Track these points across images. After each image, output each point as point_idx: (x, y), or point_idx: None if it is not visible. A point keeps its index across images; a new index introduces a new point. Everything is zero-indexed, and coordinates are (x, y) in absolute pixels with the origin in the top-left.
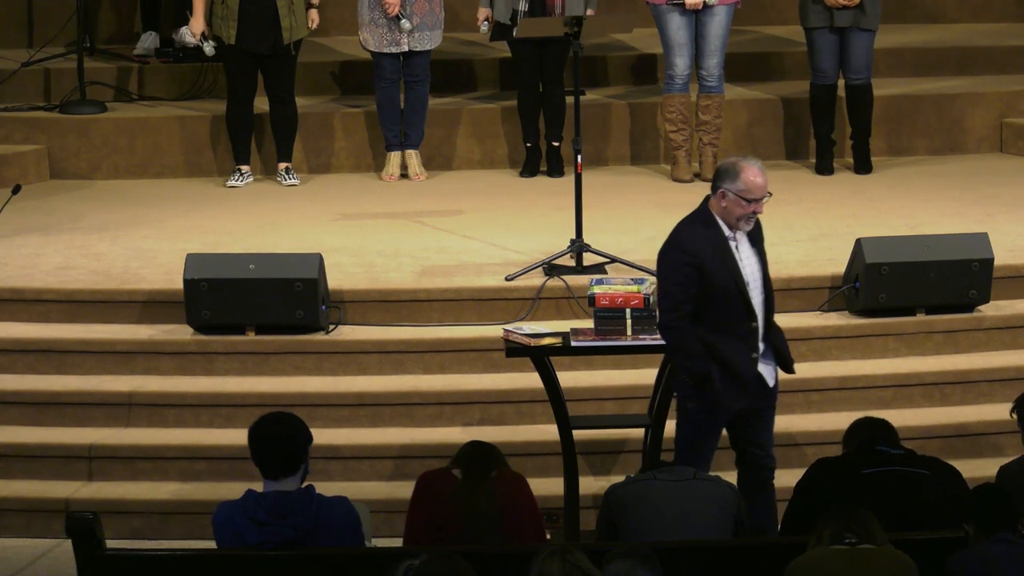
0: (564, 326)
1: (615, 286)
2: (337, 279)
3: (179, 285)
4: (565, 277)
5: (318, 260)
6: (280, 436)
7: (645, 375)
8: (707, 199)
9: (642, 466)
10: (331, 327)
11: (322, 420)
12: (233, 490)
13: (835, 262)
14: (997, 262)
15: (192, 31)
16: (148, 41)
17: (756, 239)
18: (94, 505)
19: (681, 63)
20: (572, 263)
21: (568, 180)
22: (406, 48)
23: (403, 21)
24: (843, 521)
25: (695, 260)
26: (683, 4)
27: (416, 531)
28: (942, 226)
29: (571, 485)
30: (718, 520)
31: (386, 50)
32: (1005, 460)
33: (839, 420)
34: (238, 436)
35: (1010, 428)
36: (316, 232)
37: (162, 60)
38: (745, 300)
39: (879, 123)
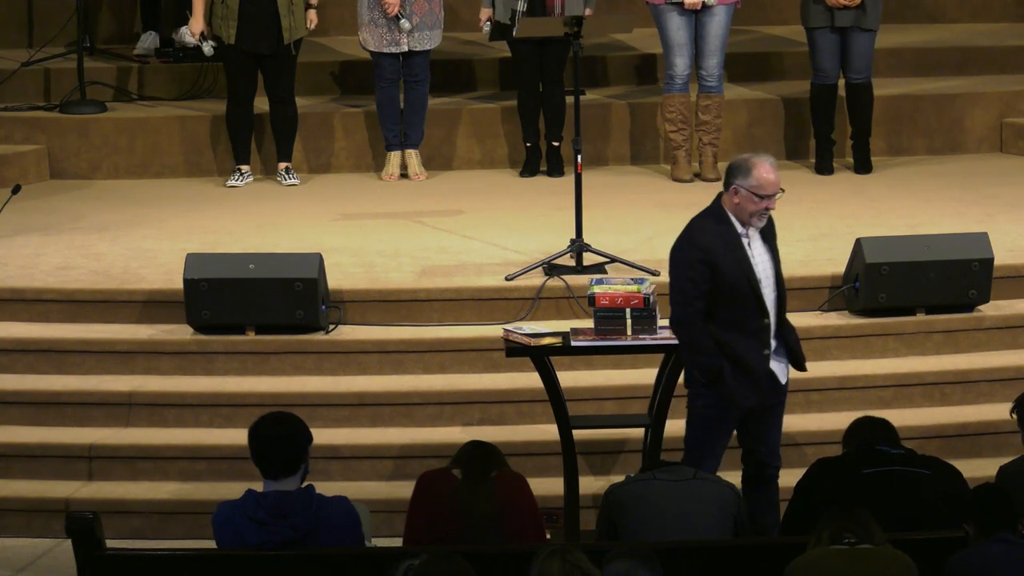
0: (564, 326)
1: (615, 286)
2: (337, 279)
3: (179, 285)
4: (565, 277)
5: (318, 260)
6: (280, 436)
7: (645, 375)
8: (720, 196)
9: (642, 466)
10: (331, 327)
11: (322, 420)
12: (233, 490)
13: (835, 262)
14: (997, 262)
15: (192, 31)
16: (148, 41)
17: (769, 236)
18: (94, 505)
19: (681, 63)
20: (572, 263)
21: (568, 180)
22: (406, 48)
23: (403, 21)
24: (842, 521)
25: (707, 257)
26: (682, 4)
27: (416, 531)
28: (942, 226)
29: (571, 485)
30: (718, 520)
31: (386, 50)
32: (1005, 460)
33: (839, 420)
34: (238, 436)
35: (1010, 428)
36: (316, 232)
37: (162, 60)
38: (757, 297)
39: (879, 123)
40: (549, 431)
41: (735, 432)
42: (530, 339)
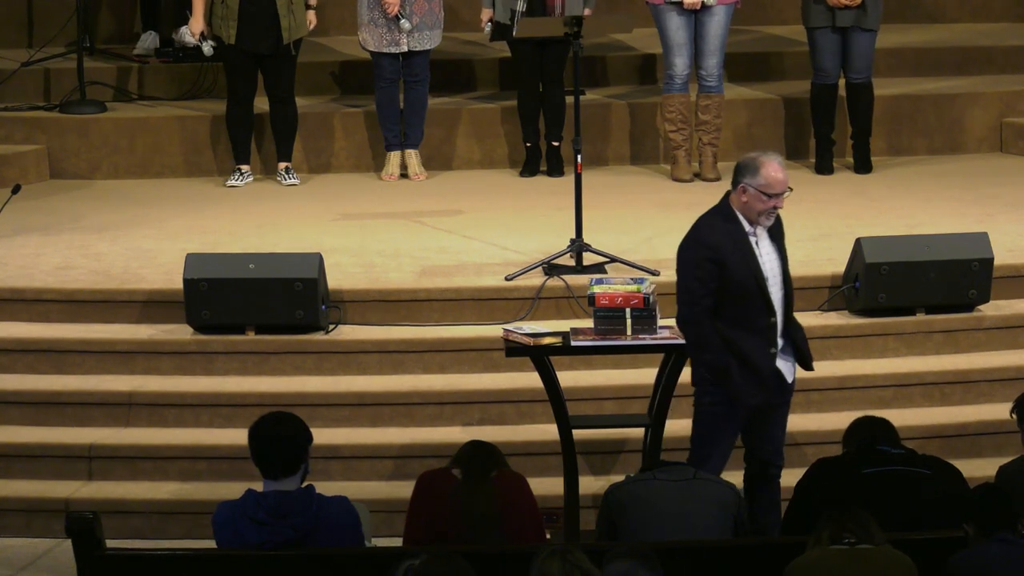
0: (564, 326)
1: (615, 286)
2: (337, 279)
3: (179, 285)
4: (565, 277)
5: (318, 260)
6: (280, 436)
7: (645, 375)
8: (728, 194)
9: (642, 466)
10: (331, 327)
11: (322, 420)
12: (233, 490)
13: (835, 262)
14: (997, 262)
15: (192, 31)
16: (148, 41)
17: (776, 235)
18: (94, 505)
19: (680, 63)
20: (572, 263)
21: (568, 180)
22: (405, 48)
23: (403, 21)
24: (842, 521)
25: (715, 255)
26: (681, 3)
27: (416, 531)
28: (942, 226)
29: (571, 485)
30: (718, 520)
31: (385, 50)
32: (1005, 460)
33: (839, 420)
34: (238, 436)
35: (1010, 428)
36: (316, 232)
37: (162, 60)
38: (764, 295)
39: (879, 123)
40: (549, 431)
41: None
42: (530, 339)
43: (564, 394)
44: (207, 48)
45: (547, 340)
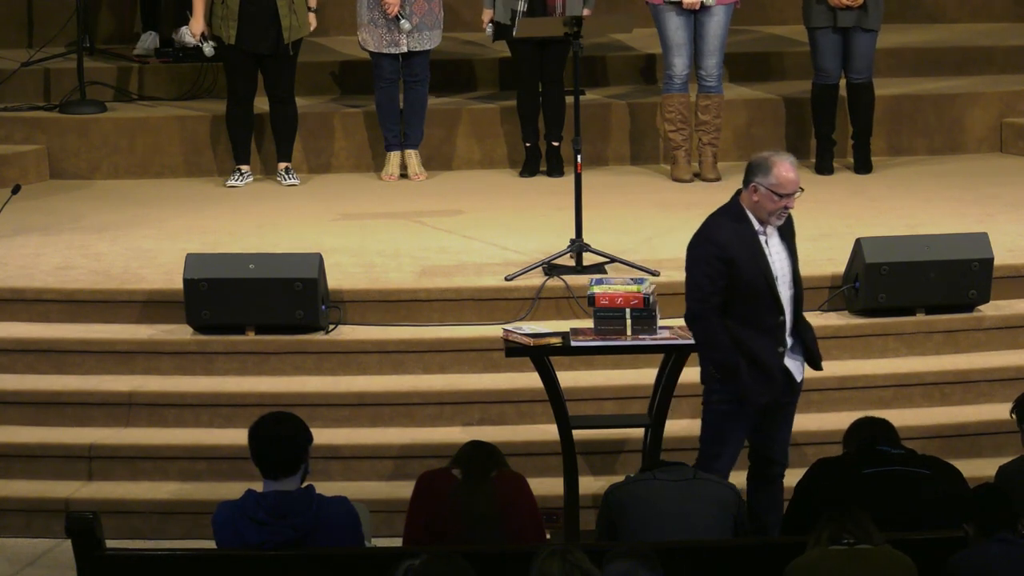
0: (564, 326)
1: (615, 286)
2: (337, 279)
3: (179, 285)
4: (565, 277)
5: (318, 260)
6: (280, 436)
7: (645, 375)
8: (738, 193)
9: (642, 466)
10: (331, 327)
11: (322, 420)
12: (233, 490)
13: (835, 262)
14: (997, 262)
15: (192, 31)
16: (148, 41)
17: (787, 234)
18: (94, 505)
19: (680, 63)
20: (572, 263)
21: (568, 180)
22: (405, 49)
23: (403, 22)
24: (841, 522)
25: (724, 253)
26: (680, 3)
27: (416, 531)
28: (942, 226)
29: (571, 485)
30: (718, 520)
31: (385, 51)
32: (1005, 460)
33: (839, 420)
34: (238, 436)
35: (1010, 428)
36: (316, 232)
37: (162, 60)
38: (774, 294)
39: (879, 123)
40: (549, 431)
41: None
42: (530, 339)
43: (564, 394)
44: (208, 49)
45: (547, 340)
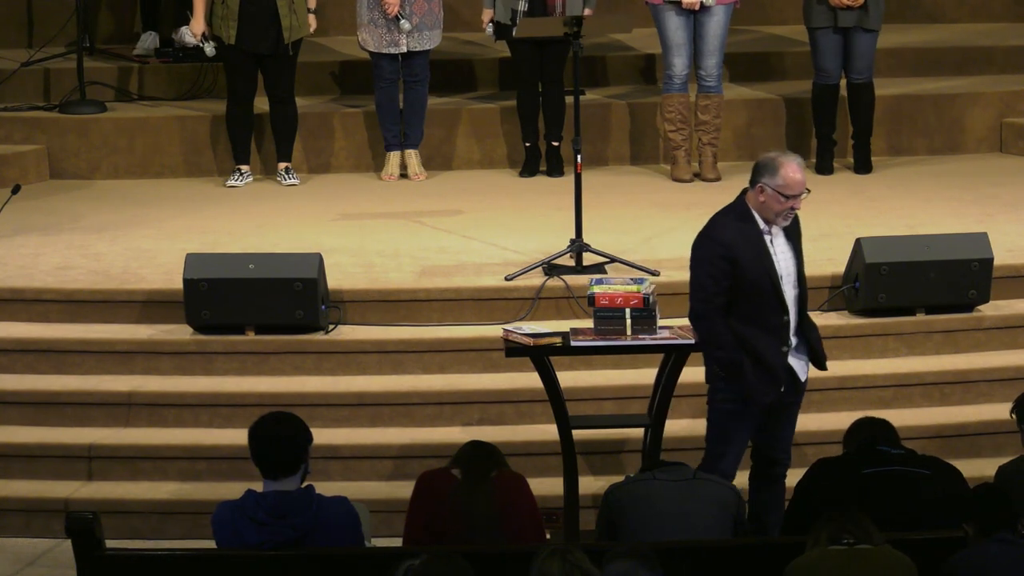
0: (564, 326)
1: (615, 286)
2: (337, 279)
3: (179, 285)
4: (565, 277)
5: (318, 260)
6: (280, 436)
7: (645, 375)
8: (744, 193)
9: (642, 466)
10: (331, 327)
11: (322, 420)
12: (233, 490)
13: (835, 262)
14: (997, 262)
15: (192, 31)
16: (148, 41)
17: (792, 233)
18: (94, 505)
19: (679, 63)
20: (572, 263)
21: (568, 180)
22: (405, 49)
23: (403, 22)
24: (841, 522)
25: (728, 252)
26: (680, 3)
27: (416, 531)
28: (942, 226)
29: (571, 485)
30: (718, 520)
31: (385, 51)
32: (1005, 460)
33: (839, 420)
34: (238, 436)
35: (1010, 428)
36: (316, 232)
37: (162, 60)
38: (778, 294)
39: (879, 123)
40: (549, 431)
41: None
42: (530, 339)
43: (564, 394)
44: (209, 49)
45: (547, 340)
